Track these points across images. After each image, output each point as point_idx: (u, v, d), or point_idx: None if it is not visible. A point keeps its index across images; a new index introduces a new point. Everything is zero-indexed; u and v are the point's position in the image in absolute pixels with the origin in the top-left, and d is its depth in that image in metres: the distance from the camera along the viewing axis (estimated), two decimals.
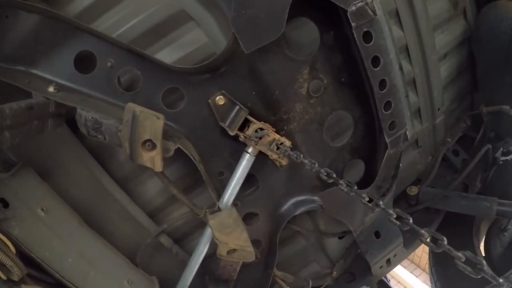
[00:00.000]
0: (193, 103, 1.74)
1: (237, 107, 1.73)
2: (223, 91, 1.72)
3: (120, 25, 1.82)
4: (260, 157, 1.82)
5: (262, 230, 2.02)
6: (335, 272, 2.48)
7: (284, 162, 1.86)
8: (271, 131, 1.74)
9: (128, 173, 1.99)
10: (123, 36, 1.82)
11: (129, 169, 1.97)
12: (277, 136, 1.74)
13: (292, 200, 2.01)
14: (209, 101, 1.71)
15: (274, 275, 2.19)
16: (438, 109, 2.68)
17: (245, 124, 1.74)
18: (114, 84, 1.70)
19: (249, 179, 1.92)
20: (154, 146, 1.59)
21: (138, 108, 1.54)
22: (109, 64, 1.69)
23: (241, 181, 1.78)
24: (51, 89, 1.65)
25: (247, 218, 1.98)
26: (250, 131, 1.70)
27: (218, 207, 1.78)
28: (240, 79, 1.74)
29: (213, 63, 1.67)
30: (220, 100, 1.73)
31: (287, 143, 1.77)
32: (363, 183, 2.09)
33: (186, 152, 1.69)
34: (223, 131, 1.76)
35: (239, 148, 1.78)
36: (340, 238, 2.41)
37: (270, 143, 1.74)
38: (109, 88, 1.69)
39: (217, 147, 1.81)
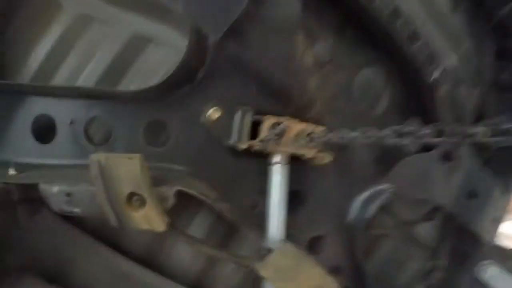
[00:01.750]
0: (183, 130, 1.18)
1: (239, 112, 1.15)
2: (214, 101, 1.17)
3: (80, 71, 1.35)
4: (295, 164, 1.24)
5: (336, 253, 1.39)
6: (441, 261, 1.90)
7: (326, 157, 1.26)
8: (291, 121, 1.16)
9: (147, 246, 1.43)
10: (86, 82, 1.34)
11: (146, 241, 1.42)
12: (302, 126, 1.16)
13: (356, 203, 1.39)
14: (201, 120, 1.16)
15: None
16: None
17: (256, 129, 1.17)
18: (83, 142, 1.18)
19: (293, 198, 1.42)
20: (143, 200, 1.04)
21: (103, 156, 1.02)
22: (69, 121, 1.21)
23: (283, 205, 1.18)
24: (11, 172, 1.21)
25: (311, 247, 1.36)
26: (264, 131, 1.12)
27: (267, 249, 1.18)
28: (227, 76, 1.17)
29: (182, 70, 1.12)
30: (214, 113, 1.17)
31: (318, 129, 1.19)
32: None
33: (195, 194, 1.13)
34: (234, 151, 1.20)
35: (263, 164, 1.22)
36: (430, 219, 1.72)
37: (297, 137, 1.15)
38: (77, 149, 1.19)
39: (234, 174, 1.23)
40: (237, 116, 1.14)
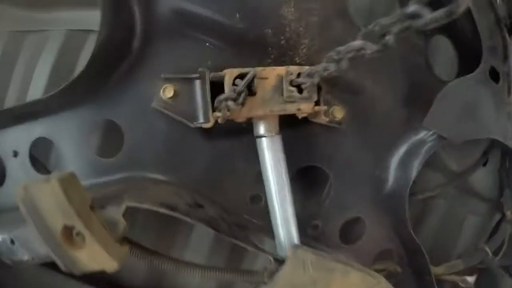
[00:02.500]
0: (135, 125, 0.74)
1: (197, 81, 0.68)
2: (163, 75, 0.70)
3: (26, 87, 0.93)
4: (297, 131, 0.77)
5: (380, 234, 0.88)
6: (508, 212, 1.32)
7: (337, 111, 0.76)
8: (262, 68, 0.66)
9: (151, 277, 0.96)
10: (35, 94, 0.92)
11: (143, 273, 0.94)
12: (279, 70, 0.66)
13: (392, 165, 0.85)
14: (153, 105, 0.71)
15: (437, 276, 1.09)
16: None
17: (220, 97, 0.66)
18: (32, 174, 0.79)
19: (308, 177, 0.90)
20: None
21: (20, 187, 0.63)
22: (12, 154, 0.80)
23: (285, 192, 0.68)
24: None
25: (347, 234, 0.87)
26: (226, 90, 0.62)
27: (277, 261, 0.66)
28: (172, 38, 0.72)
29: (106, 43, 0.69)
30: (167, 91, 0.71)
31: (305, 68, 0.65)
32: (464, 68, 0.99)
33: (153, 208, 0.62)
34: (212, 132, 0.74)
35: (248, 140, 0.74)
36: (484, 164, 1.13)
37: (278, 87, 0.64)
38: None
39: (219, 162, 0.76)
40: (196, 85, 0.66)
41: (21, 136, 0.79)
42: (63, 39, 0.92)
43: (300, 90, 0.64)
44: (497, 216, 1.22)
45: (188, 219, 0.64)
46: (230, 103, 0.58)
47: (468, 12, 0.85)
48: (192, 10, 0.71)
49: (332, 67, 0.53)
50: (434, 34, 0.91)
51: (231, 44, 0.71)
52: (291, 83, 0.63)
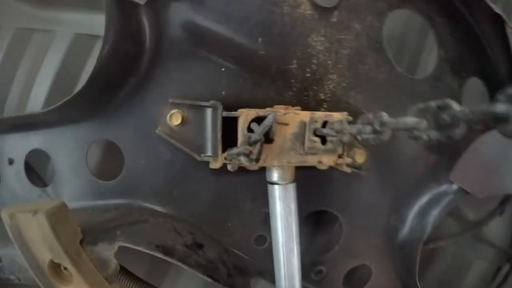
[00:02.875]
0: (137, 149, 0.61)
1: (208, 110, 0.56)
2: (171, 100, 0.58)
3: (30, 86, 0.81)
4: (312, 174, 0.62)
5: (385, 283, 0.75)
6: None
7: (360, 157, 0.61)
8: (284, 111, 0.51)
9: None
10: (37, 96, 0.81)
11: None
12: (303, 115, 0.51)
13: (410, 215, 0.72)
14: (158, 131, 0.59)
15: None
16: None
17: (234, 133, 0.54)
18: (26, 185, 0.67)
19: (319, 221, 0.76)
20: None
21: (7, 213, 0.48)
22: (6, 161, 0.69)
23: (294, 243, 0.56)
24: None
25: (350, 282, 0.74)
26: (240, 138, 0.49)
27: None
28: (185, 58, 0.59)
29: (112, 58, 0.55)
30: (174, 118, 0.59)
31: (336, 116, 0.52)
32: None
33: (157, 254, 0.52)
34: (215, 171, 0.58)
35: (257, 178, 0.60)
36: (500, 214, 0.98)
37: (299, 135, 0.50)
38: (24, 194, 0.67)
39: (224, 200, 0.63)
40: (207, 114, 0.53)
41: (18, 145, 0.69)
42: (70, 42, 0.81)
43: (323, 140, 0.51)
44: (505, 266, 1.09)
45: (185, 266, 0.53)
46: (243, 158, 0.46)
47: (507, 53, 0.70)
48: (208, 26, 0.58)
49: (367, 129, 0.40)
50: (469, 75, 0.77)
51: (250, 71, 0.58)
52: (314, 132, 0.50)
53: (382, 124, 0.37)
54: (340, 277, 0.71)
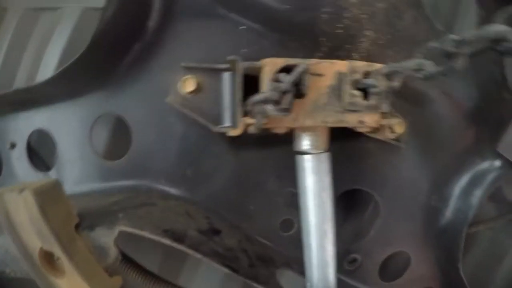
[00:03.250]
0: (146, 123, 0.49)
1: (225, 74, 0.43)
2: (183, 64, 0.45)
3: (37, 65, 0.71)
4: (346, 146, 0.51)
5: (424, 272, 0.60)
6: None
7: (399, 127, 0.48)
8: (317, 61, 0.38)
9: None
10: (45, 73, 0.70)
11: None
12: (342, 63, 0.39)
13: (453, 194, 0.57)
14: (168, 100, 0.46)
15: None
16: None
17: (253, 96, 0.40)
18: (27, 170, 0.56)
19: (351, 203, 0.64)
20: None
21: None
22: (8, 146, 0.58)
23: (329, 226, 0.43)
24: None
25: (387, 270, 0.60)
26: (265, 88, 0.36)
27: None
28: (199, 17, 0.46)
29: (115, 20, 0.44)
30: (188, 84, 0.45)
31: (377, 66, 0.39)
32: None
33: (164, 240, 0.38)
34: (231, 140, 0.48)
35: (283, 151, 0.48)
36: None
37: (336, 89, 0.37)
38: (27, 178, 0.55)
39: (247, 179, 0.50)
40: (225, 79, 0.40)
41: (20, 126, 0.58)
42: (78, 17, 0.70)
43: (366, 96, 0.38)
44: None
45: (197, 255, 0.40)
46: (270, 107, 0.34)
47: None
48: None
49: (429, 65, 0.28)
50: None
51: (274, 29, 0.47)
52: (355, 84, 0.38)
53: (460, 42, 0.24)
54: (376, 266, 0.59)
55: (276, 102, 0.36)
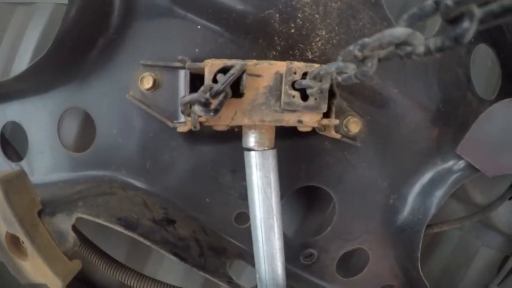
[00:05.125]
0: (108, 116, 0.51)
1: (181, 72, 0.45)
2: (142, 62, 0.47)
3: (12, 59, 0.73)
4: (297, 143, 0.52)
5: (384, 269, 0.62)
6: None
7: (354, 126, 0.49)
8: (256, 62, 0.39)
9: None
10: (20, 67, 0.68)
11: None
12: (278, 66, 0.39)
13: (411, 194, 0.58)
14: (129, 96, 0.48)
15: None
16: None
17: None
18: (1, 161, 0.59)
19: (308, 199, 0.68)
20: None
21: None
22: None
23: (274, 220, 0.43)
24: None
25: (344, 267, 0.63)
26: (205, 85, 0.36)
27: None
28: (160, 15, 0.47)
29: (79, 17, 0.46)
30: (145, 81, 0.47)
31: (315, 67, 0.39)
32: (508, 84, 0.66)
33: (118, 227, 0.41)
34: (187, 135, 0.50)
35: (238, 146, 0.47)
36: (510, 198, 0.81)
37: (274, 89, 0.38)
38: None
39: (194, 172, 0.51)
40: (181, 76, 0.42)
41: None
42: (51, 12, 0.72)
43: (305, 96, 0.40)
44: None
45: (147, 242, 0.42)
46: (198, 108, 0.35)
47: None
48: None
49: (350, 68, 0.29)
50: (477, 41, 0.63)
51: (228, 29, 0.48)
52: (293, 85, 0.39)
53: (363, 46, 0.25)
54: (333, 261, 0.59)
55: (205, 104, 0.36)
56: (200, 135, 0.51)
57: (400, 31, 0.23)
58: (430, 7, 0.21)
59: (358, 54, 0.26)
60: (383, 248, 0.62)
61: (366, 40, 0.26)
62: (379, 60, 0.27)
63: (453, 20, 0.20)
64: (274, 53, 0.50)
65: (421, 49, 0.21)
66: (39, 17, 0.71)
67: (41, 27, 0.71)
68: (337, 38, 0.49)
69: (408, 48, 0.24)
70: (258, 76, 0.38)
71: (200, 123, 0.41)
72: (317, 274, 0.59)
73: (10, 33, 0.74)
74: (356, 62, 0.29)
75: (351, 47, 0.28)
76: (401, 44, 0.24)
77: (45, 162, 0.57)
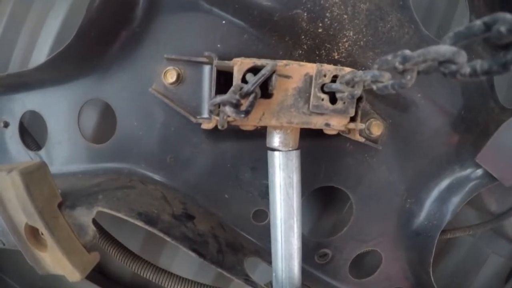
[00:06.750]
0: (130, 110, 0.50)
1: (206, 67, 0.45)
2: (166, 56, 0.47)
3: (33, 45, 0.73)
4: (319, 144, 0.51)
5: (396, 272, 0.61)
6: None
7: (377, 129, 0.49)
8: (285, 63, 0.38)
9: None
10: (40, 55, 0.72)
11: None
12: (309, 68, 0.38)
13: (429, 199, 0.57)
14: (151, 89, 0.48)
15: None
16: None
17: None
18: (19, 148, 0.59)
19: (326, 199, 0.67)
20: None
21: None
22: (1, 124, 0.60)
23: (295, 220, 0.43)
24: None
25: (358, 268, 0.62)
26: (234, 84, 0.36)
27: None
28: (185, 9, 0.47)
29: (102, 9, 0.45)
30: (169, 75, 0.47)
31: (346, 70, 0.38)
32: None
33: (138, 222, 0.41)
34: (210, 131, 0.49)
35: (260, 145, 0.48)
36: None
37: (304, 91, 0.37)
38: (18, 158, 0.60)
39: (215, 168, 0.51)
40: (205, 71, 0.42)
41: (14, 107, 0.60)
42: (71, 2, 0.71)
43: (333, 99, 0.39)
44: None
45: (167, 238, 0.42)
46: (229, 109, 0.35)
47: None
48: None
49: (385, 77, 0.28)
50: (508, 49, 0.62)
51: (253, 26, 0.47)
52: (322, 88, 0.38)
53: (404, 59, 0.25)
54: (346, 262, 0.59)
55: (236, 105, 0.35)
56: (222, 132, 0.50)
57: (445, 48, 0.23)
58: (478, 28, 0.21)
59: (399, 66, 0.26)
60: (397, 251, 0.62)
61: (408, 53, 0.25)
62: (418, 73, 0.27)
63: (504, 47, 0.20)
64: (300, 52, 0.49)
65: (467, 70, 0.21)
66: (60, 6, 0.70)
67: (61, 16, 0.70)
68: (364, 40, 0.49)
69: (453, 67, 0.23)
70: (288, 77, 0.38)
71: (228, 122, 0.41)
72: (331, 274, 0.59)
73: (30, 22, 0.73)
74: (392, 71, 0.29)
75: (389, 57, 0.28)
76: (444, 61, 0.23)
77: (64, 152, 0.57)
